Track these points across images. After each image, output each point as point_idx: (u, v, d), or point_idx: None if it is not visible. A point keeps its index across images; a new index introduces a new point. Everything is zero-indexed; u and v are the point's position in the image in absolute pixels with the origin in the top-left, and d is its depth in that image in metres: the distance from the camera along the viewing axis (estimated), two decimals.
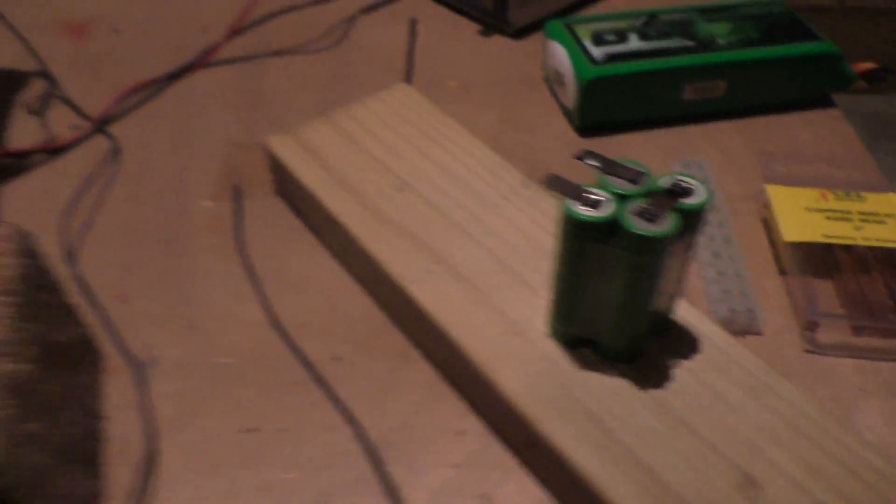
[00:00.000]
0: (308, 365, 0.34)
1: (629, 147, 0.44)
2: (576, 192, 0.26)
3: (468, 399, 0.32)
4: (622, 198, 0.26)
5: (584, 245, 0.26)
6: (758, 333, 0.35)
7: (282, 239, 0.39)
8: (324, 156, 0.38)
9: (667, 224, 0.25)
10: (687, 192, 0.26)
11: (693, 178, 0.26)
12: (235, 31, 0.50)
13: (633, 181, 0.26)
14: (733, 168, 0.43)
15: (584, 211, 0.25)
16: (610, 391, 0.29)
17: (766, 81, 0.45)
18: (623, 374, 0.29)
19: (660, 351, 0.30)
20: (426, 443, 0.31)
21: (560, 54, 0.45)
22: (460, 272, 0.33)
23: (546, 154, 0.44)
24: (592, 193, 0.26)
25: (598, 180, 0.26)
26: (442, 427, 0.32)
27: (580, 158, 0.27)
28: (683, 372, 0.29)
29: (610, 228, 0.25)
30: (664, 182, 0.26)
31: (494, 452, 0.31)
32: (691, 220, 0.26)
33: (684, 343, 0.30)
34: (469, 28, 0.54)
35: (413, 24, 0.54)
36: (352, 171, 0.37)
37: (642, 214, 0.25)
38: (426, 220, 0.35)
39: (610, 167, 0.27)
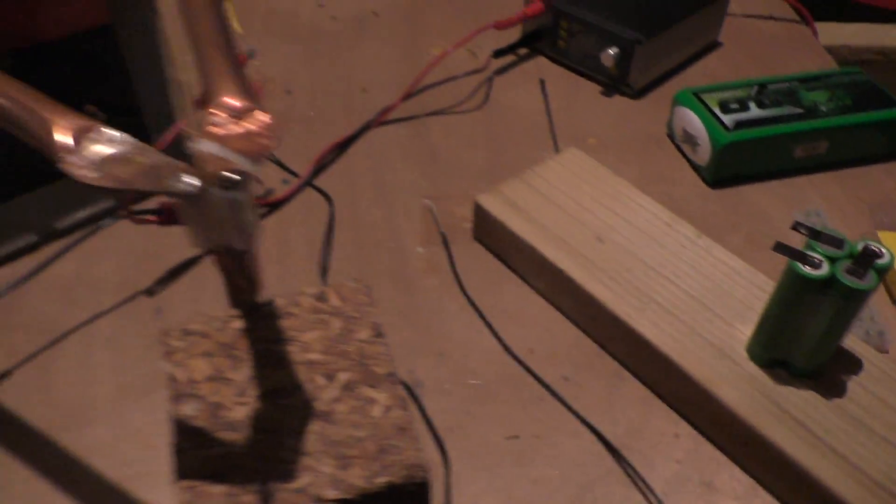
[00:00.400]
0: (544, 384, 0.42)
1: (754, 197, 0.53)
2: (800, 256, 0.35)
3: (678, 409, 0.41)
4: (831, 260, 0.35)
5: (804, 295, 0.35)
6: (885, 351, 0.44)
7: (492, 279, 0.47)
8: (527, 210, 0.47)
9: (870, 279, 0.34)
10: (877, 254, 0.35)
11: (877, 243, 0.36)
12: (407, 96, 0.58)
13: (837, 246, 0.35)
14: (838, 214, 0.52)
15: (809, 270, 0.34)
16: (804, 400, 0.38)
17: (859, 140, 0.55)
18: (811, 387, 0.38)
19: (834, 368, 0.39)
20: (652, 444, 0.40)
21: (692, 119, 0.54)
22: (666, 307, 0.42)
23: (686, 204, 0.53)
24: (813, 257, 0.35)
25: (808, 244, 0.36)
26: (661, 431, 0.40)
27: (795, 228, 0.36)
28: (853, 384, 0.39)
29: (827, 283, 0.34)
30: (859, 246, 0.35)
31: (706, 450, 0.40)
32: (881, 274, 0.35)
33: (850, 362, 0.40)
34: (590, 88, 0.63)
35: (543, 84, 0.63)
36: (553, 223, 0.46)
37: (852, 272, 0.34)
38: (628, 265, 0.44)
39: (816, 235, 0.36)
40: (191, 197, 0.22)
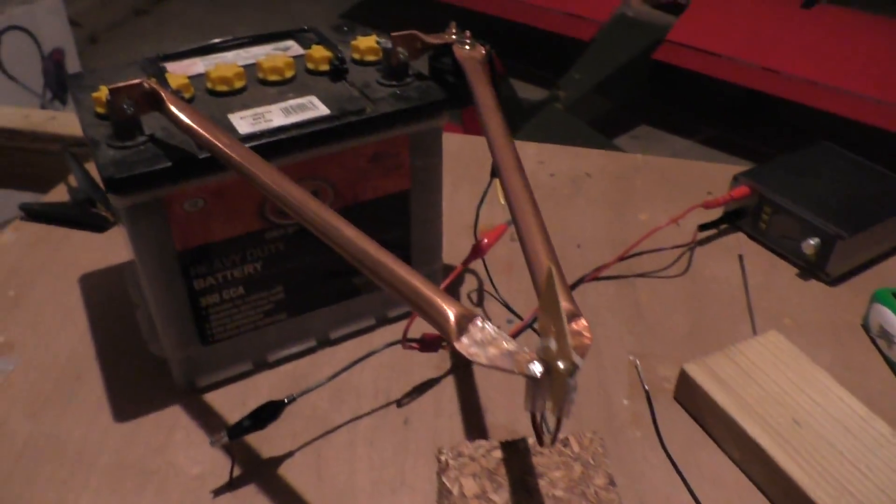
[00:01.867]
0: None
1: None
2: None
3: None
4: None
5: None
6: None
7: (690, 440, 0.53)
8: (729, 384, 0.53)
9: None
10: None
11: None
12: (622, 258, 0.67)
13: None
14: None
15: None
16: None
17: None
18: None
19: None
20: None
21: (890, 318, 0.58)
22: (858, 499, 0.46)
23: (879, 397, 0.57)
24: None
25: None
26: None
27: None
28: None
29: None
30: None
31: None
32: None
33: None
34: (787, 269, 0.69)
35: (741, 260, 0.69)
36: (753, 400, 0.52)
37: None
38: (823, 452, 0.48)
39: None
40: (536, 378, 0.31)
